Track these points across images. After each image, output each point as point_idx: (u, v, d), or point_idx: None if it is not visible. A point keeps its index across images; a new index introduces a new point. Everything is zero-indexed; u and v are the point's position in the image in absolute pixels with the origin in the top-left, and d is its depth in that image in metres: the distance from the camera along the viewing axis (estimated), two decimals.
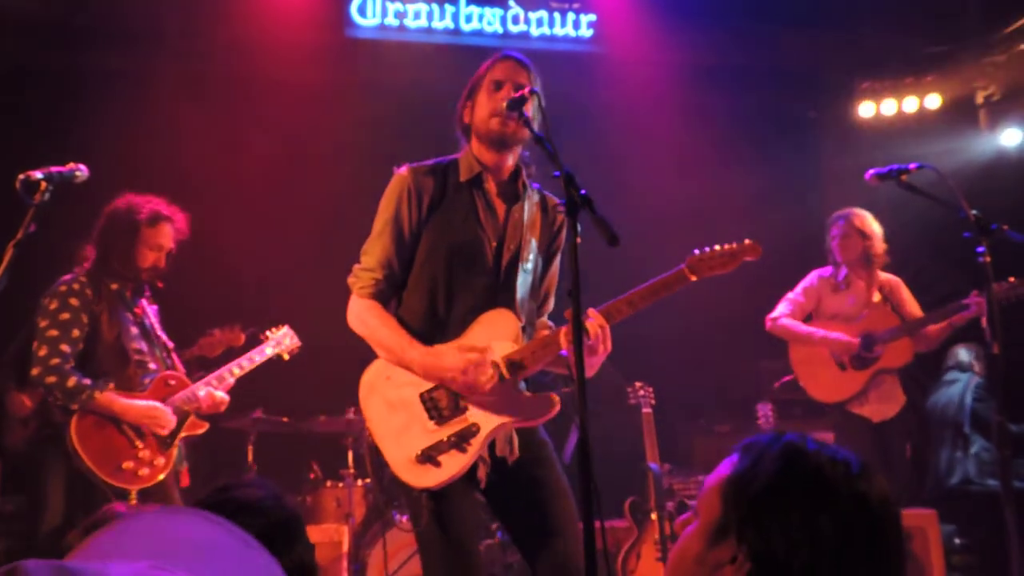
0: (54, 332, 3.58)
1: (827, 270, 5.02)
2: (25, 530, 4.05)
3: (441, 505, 2.61)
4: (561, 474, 2.75)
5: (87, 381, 3.56)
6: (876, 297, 4.91)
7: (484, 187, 2.78)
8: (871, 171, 3.62)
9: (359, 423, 5.13)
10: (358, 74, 6.64)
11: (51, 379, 3.53)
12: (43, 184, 2.89)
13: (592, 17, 6.86)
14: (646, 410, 5.17)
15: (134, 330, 3.76)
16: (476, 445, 2.61)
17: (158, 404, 3.68)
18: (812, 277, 5.05)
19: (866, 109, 7.23)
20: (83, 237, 4.08)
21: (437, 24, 6.62)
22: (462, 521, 2.64)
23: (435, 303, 2.72)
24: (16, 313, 3.80)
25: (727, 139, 6.78)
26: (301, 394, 5.52)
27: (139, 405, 3.64)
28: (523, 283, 2.78)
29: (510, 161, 2.81)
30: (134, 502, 3.45)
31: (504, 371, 2.64)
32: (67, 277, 3.73)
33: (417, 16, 6.58)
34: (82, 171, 3.04)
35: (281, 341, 4.11)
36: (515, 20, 6.74)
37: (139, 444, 3.64)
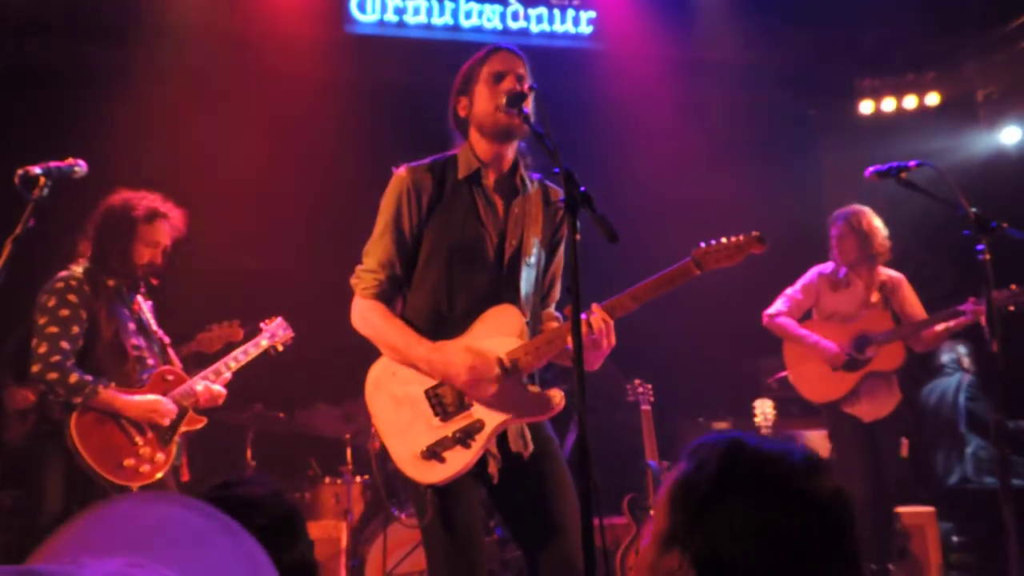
0: (53, 329, 3.57)
1: (828, 267, 5.01)
2: (23, 525, 4.05)
3: (446, 501, 2.61)
4: (566, 470, 2.76)
5: (88, 377, 3.55)
6: (875, 297, 4.90)
7: (483, 183, 2.77)
8: (871, 169, 3.61)
9: (357, 416, 5.14)
10: (357, 70, 6.63)
11: (52, 376, 3.52)
12: (42, 179, 2.89)
13: (592, 14, 6.85)
14: (645, 407, 5.17)
15: (131, 326, 3.76)
16: (481, 441, 2.61)
17: (159, 397, 3.68)
18: (812, 274, 5.05)
19: (866, 106, 7.24)
20: (80, 232, 4.08)
21: (437, 20, 6.62)
22: (467, 517, 2.64)
23: (439, 302, 2.71)
24: (14, 309, 3.80)
25: (727, 136, 6.78)
26: (300, 389, 5.52)
27: (140, 400, 3.64)
28: (527, 278, 2.78)
29: (510, 153, 2.79)
30: None
31: (508, 367, 2.64)
32: (64, 273, 3.71)
33: (417, 12, 6.58)
34: (81, 166, 3.04)
35: (275, 332, 4.12)
36: (515, 16, 6.73)
37: (139, 440, 3.63)
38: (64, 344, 3.56)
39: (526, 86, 2.70)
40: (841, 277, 4.93)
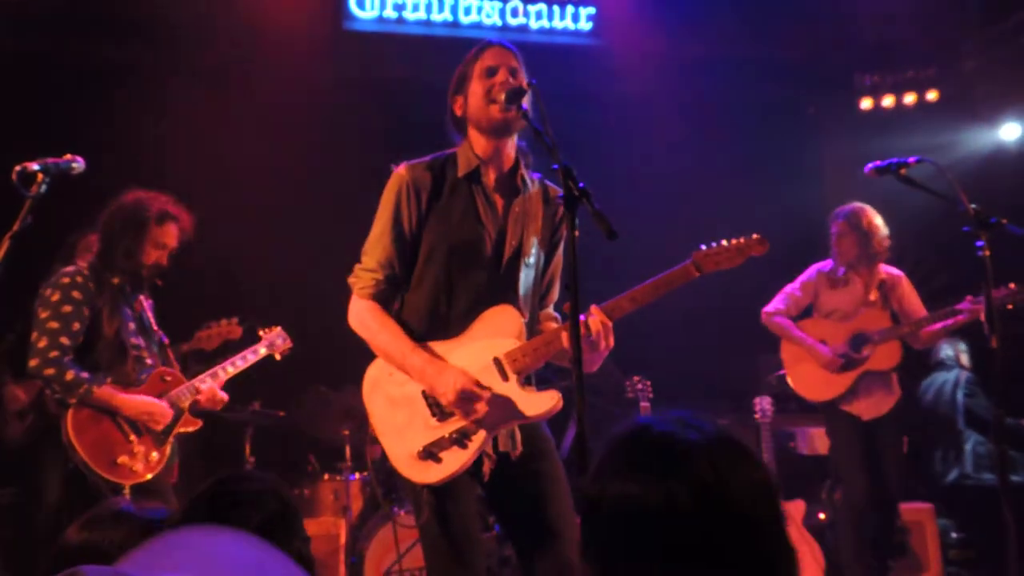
0: (55, 324, 3.57)
1: (827, 264, 5.00)
2: (21, 521, 4.05)
3: (442, 500, 2.60)
4: (562, 471, 2.74)
5: (85, 375, 3.55)
6: (873, 296, 4.89)
7: (482, 181, 2.74)
8: (870, 165, 3.61)
9: (356, 413, 5.13)
10: (356, 67, 6.62)
11: (49, 371, 3.52)
12: (40, 176, 2.87)
13: (591, 10, 6.85)
14: (644, 404, 5.17)
15: (132, 325, 3.76)
16: (477, 442, 2.60)
17: (156, 400, 3.68)
18: (811, 271, 5.04)
19: (866, 103, 7.23)
20: (82, 228, 4.08)
21: (436, 17, 6.61)
22: (463, 516, 2.63)
23: (437, 301, 2.70)
24: (12, 305, 3.80)
25: (727, 133, 6.78)
26: (299, 386, 5.52)
27: (137, 400, 3.64)
28: (525, 278, 2.77)
29: (509, 148, 2.77)
30: (127, 497, 3.44)
31: (507, 368, 2.63)
32: (69, 269, 3.71)
33: (416, 9, 6.57)
34: (79, 163, 3.03)
35: (273, 341, 4.12)
36: (514, 13, 6.73)
37: (134, 439, 3.63)
38: (64, 340, 3.56)
39: (523, 81, 2.68)
40: (840, 275, 4.92)
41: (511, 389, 2.64)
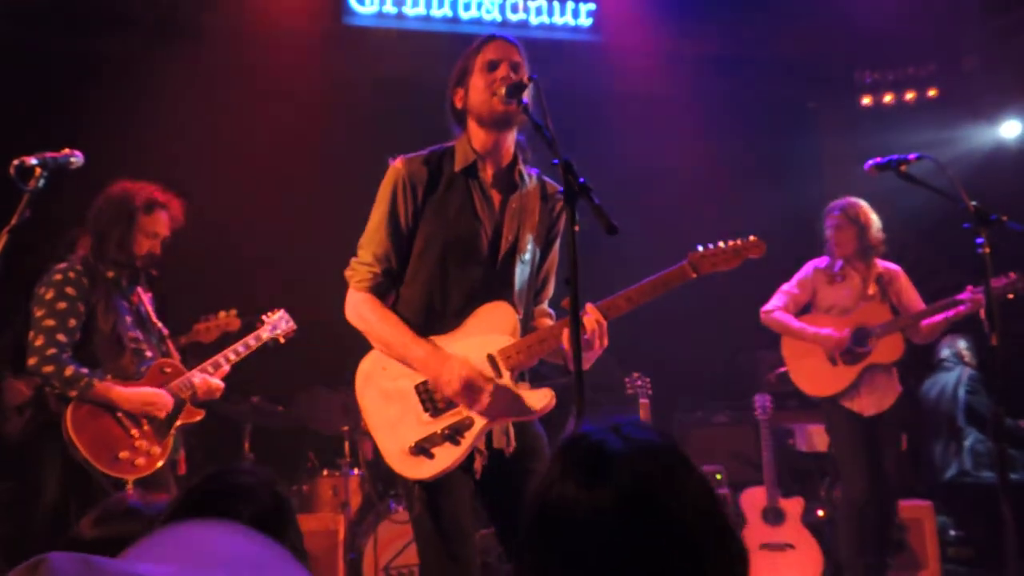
0: (51, 322, 3.56)
1: (823, 261, 4.99)
2: (22, 517, 4.05)
3: (434, 496, 2.60)
4: None
5: (84, 370, 3.54)
6: (871, 290, 4.88)
7: (480, 176, 2.73)
8: (870, 161, 3.60)
9: (355, 409, 5.13)
10: (356, 62, 6.62)
11: (48, 369, 3.51)
12: (38, 170, 2.86)
13: (592, 6, 6.84)
14: (643, 400, 5.17)
15: (129, 318, 3.74)
16: (470, 438, 2.60)
17: (156, 390, 3.67)
18: (808, 268, 5.03)
19: (866, 99, 7.23)
20: (77, 224, 4.06)
21: (435, 12, 6.61)
22: (456, 512, 2.63)
23: (432, 296, 2.69)
24: (10, 300, 3.79)
25: (727, 129, 6.77)
26: (298, 382, 5.52)
27: (137, 393, 3.63)
28: (521, 275, 2.76)
29: (508, 143, 2.75)
30: (131, 491, 3.43)
31: (500, 365, 2.63)
32: (62, 265, 3.69)
33: (415, 4, 6.57)
34: (77, 157, 3.02)
35: (277, 325, 4.10)
36: (514, 8, 6.72)
37: (135, 433, 3.62)
38: (60, 337, 3.55)
39: (524, 75, 2.67)
40: (837, 270, 4.91)
41: (505, 387, 2.63)
